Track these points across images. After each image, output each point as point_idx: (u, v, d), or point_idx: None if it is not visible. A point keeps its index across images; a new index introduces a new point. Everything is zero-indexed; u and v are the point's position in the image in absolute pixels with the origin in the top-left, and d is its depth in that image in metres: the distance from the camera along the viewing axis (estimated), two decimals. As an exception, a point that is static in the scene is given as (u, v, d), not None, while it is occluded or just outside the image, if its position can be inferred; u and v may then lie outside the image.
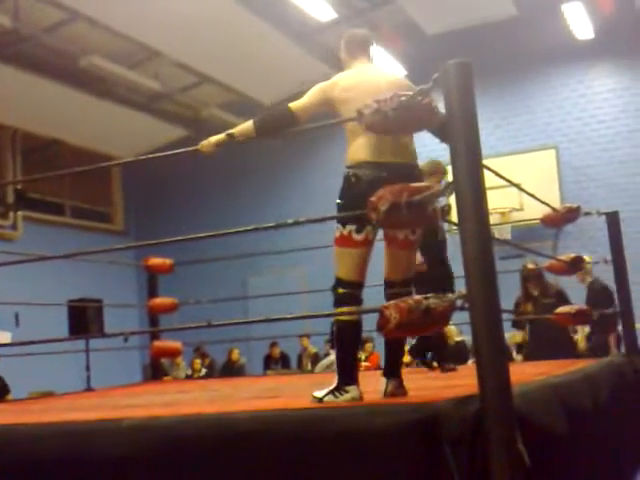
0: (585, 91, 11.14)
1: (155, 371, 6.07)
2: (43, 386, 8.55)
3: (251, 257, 10.51)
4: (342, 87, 2.87)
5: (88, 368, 5.83)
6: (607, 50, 10.82)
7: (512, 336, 7.39)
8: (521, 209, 10.13)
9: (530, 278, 5.95)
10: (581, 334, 6.20)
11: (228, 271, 11.85)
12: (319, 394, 2.68)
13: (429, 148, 8.37)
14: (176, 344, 5.43)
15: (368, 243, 2.77)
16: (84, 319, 7.74)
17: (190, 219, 12.27)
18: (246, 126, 2.95)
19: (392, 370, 2.81)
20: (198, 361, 10.27)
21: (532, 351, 6.00)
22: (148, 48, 10.30)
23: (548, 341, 5.69)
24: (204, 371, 10.21)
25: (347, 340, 2.75)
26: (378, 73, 2.98)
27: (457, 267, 5.30)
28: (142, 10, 9.12)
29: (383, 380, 2.80)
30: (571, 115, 11.10)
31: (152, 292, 5.93)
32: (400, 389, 2.76)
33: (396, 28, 10.99)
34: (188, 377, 9.60)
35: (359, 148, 2.77)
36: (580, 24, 10.53)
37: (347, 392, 2.67)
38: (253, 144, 3.09)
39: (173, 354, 5.80)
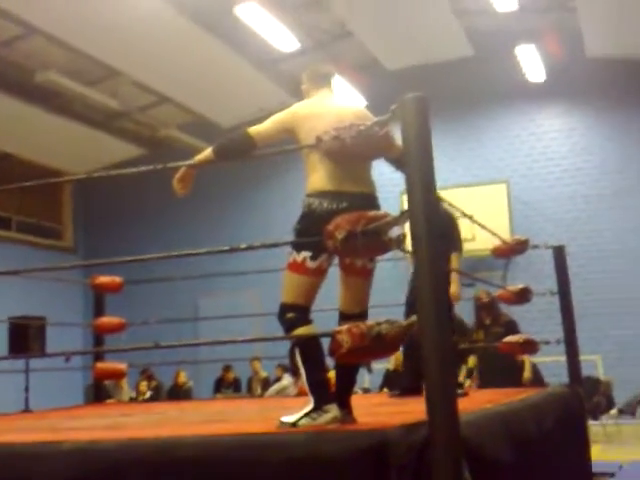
0: (535, 129, 11.59)
1: (98, 393, 5.90)
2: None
3: (203, 278, 10.41)
4: (302, 115, 2.90)
5: (27, 389, 5.63)
6: (557, 92, 11.32)
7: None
8: (472, 239, 10.30)
9: (483, 307, 6.10)
10: (527, 363, 6.32)
11: (179, 292, 11.71)
12: (291, 419, 2.59)
13: (386, 177, 8.50)
14: (120, 366, 5.29)
15: (321, 272, 2.75)
16: (25, 338, 7.50)
17: (141, 238, 12.13)
18: (205, 153, 2.96)
19: (342, 398, 2.72)
20: (144, 383, 10.05)
21: (482, 378, 6.11)
22: (108, 66, 10.23)
23: (496, 370, 5.80)
24: (149, 394, 10.00)
25: (311, 360, 2.69)
26: (338, 103, 3.02)
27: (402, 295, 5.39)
28: (104, 28, 9.06)
29: (331, 407, 2.75)
30: (522, 152, 11.52)
31: (98, 311, 5.78)
32: (348, 417, 2.69)
33: (357, 62, 11.23)
34: (132, 400, 9.39)
35: (320, 177, 2.78)
36: (532, 66, 11.02)
37: (327, 412, 2.59)
38: (211, 166, 3.08)
39: (117, 376, 5.64)
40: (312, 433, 2.34)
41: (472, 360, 6.41)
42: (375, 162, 2.90)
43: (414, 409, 2.67)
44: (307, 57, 10.69)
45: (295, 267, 2.74)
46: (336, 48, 10.94)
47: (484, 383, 5.92)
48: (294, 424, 2.56)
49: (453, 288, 4.65)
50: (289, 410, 2.67)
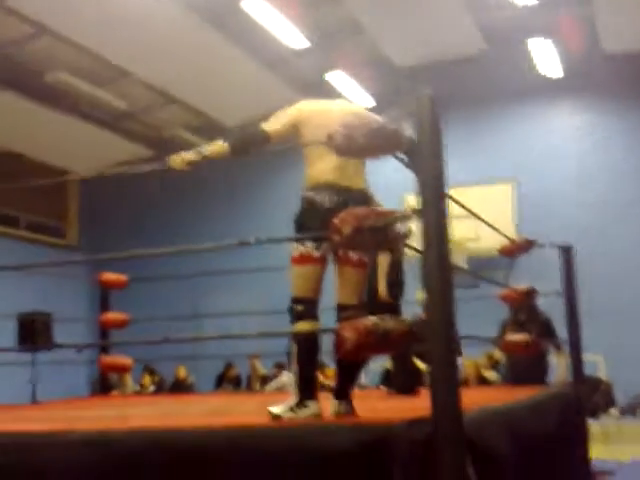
0: (548, 127, 11.38)
1: (103, 386, 5.97)
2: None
3: (205, 277, 10.44)
4: (307, 112, 2.99)
5: (34, 381, 5.69)
6: (573, 88, 11.08)
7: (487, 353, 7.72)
8: (477, 239, 10.30)
9: (519, 304, 6.00)
10: (562, 363, 6.09)
11: (181, 290, 11.73)
12: (277, 410, 2.68)
13: (388, 177, 8.50)
14: (125, 359, 5.36)
15: (325, 260, 2.84)
16: (32, 333, 7.58)
17: (146, 237, 12.13)
18: (218, 146, 2.99)
19: (343, 391, 2.81)
20: (147, 378, 10.11)
21: (509, 375, 6.08)
22: (116, 66, 10.24)
23: (522, 367, 5.73)
24: (152, 388, 10.05)
25: (306, 355, 2.77)
26: (341, 103, 3.13)
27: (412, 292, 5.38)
28: (112, 28, 9.06)
29: (333, 401, 2.81)
30: (532, 150, 11.29)
31: (104, 307, 5.85)
32: (349, 408, 2.76)
33: (366, 58, 11.15)
34: (136, 394, 9.43)
35: (318, 172, 2.87)
36: (547, 61, 10.75)
37: (307, 407, 2.68)
38: (216, 163, 3.10)
39: (122, 369, 5.70)
40: (316, 425, 2.36)
41: (498, 353, 6.34)
42: (378, 162, 2.95)
43: (416, 405, 2.69)
44: (315, 54, 10.68)
45: (300, 259, 2.82)
46: (344, 45, 10.87)
47: (511, 379, 5.87)
48: (278, 415, 2.65)
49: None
50: (281, 405, 2.72)
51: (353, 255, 2.84)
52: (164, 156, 3.16)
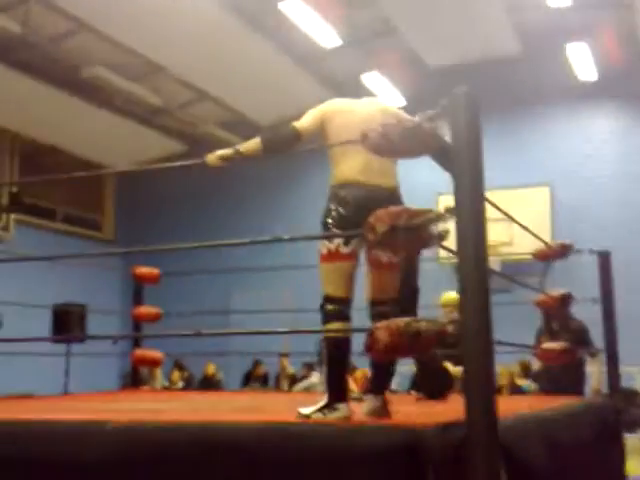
0: (584, 131, 11.22)
1: (134, 380, 6.02)
2: (21, 388, 8.46)
3: (237, 274, 10.49)
4: (333, 110, 3.00)
5: (68, 372, 5.76)
6: (609, 92, 10.90)
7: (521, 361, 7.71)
8: (510, 243, 10.17)
9: (552, 312, 5.89)
10: (596, 373, 5.86)
11: (212, 286, 11.81)
12: (306, 411, 2.67)
13: (422, 177, 8.41)
14: (157, 354, 5.39)
15: (355, 256, 2.81)
16: (67, 324, 7.69)
17: (180, 231, 12.24)
18: (252, 143, 3.00)
19: (377, 386, 2.80)
20: (177, 373, 10.19)
21: (543, 384, 5.99)
22: (151, 62, 10.33)
23: (558, 376, 5.62)
24: (181, 384, 10.12)
25: (337, 357, 2.74)
26: (369, 101, 3.12)
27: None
28: (148, 25, 9.16)
29: (368, 397, 2.79)
30: (568, 154, 11.15)
31: (138, 300, 5.89)
32: (383, 409, 2.74)
33: (399, 58, 11.10)
34: (165, 389, 9.52)
35: (347, 169, 2.86)
36: (583, 65, 10.63)
37: (336, 410, 2.65)
38: (252, 161, 3.12)
39: (153, 363, 5.74)
40: (348, 425, 2.34)
41: (537, 364, 6.24)
42: (411, 161, 2.91)
43: (449, 409, 2.65)
44: (349, 54, 10.66)
45: (330, 256, 2.79)
46: (378, 44, 10.83)
47: (547, 388, 5.76)
48: (308, 416, 2.63)
49: None
50: (311, 405, 2.71)
51: (383, 256, 2.81)
52: (197, 152, 3.17)
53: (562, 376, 5.51)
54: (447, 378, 5.05)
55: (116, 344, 4.10)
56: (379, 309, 2.79)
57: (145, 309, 5.62)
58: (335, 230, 2.79)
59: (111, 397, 4.94)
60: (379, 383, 2.82)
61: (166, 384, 9.97)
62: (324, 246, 2.80)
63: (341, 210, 2.79)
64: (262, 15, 9.54)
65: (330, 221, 2.82)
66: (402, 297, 4.11)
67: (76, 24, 9.25)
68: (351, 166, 2.84)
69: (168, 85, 11.02)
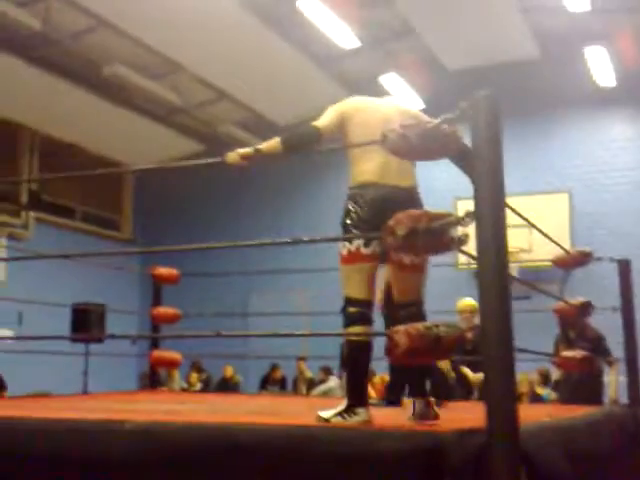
0: (603, 137, 11.15)
1: (152, 380, 6.03)
2: (39, 387, 8.52)
3: (254, 276, 10.51)
4: (352, 109, 2.99)
5: (87, 372, 5.78)
6: (628, 97, 10.83)
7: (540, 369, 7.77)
8: (529, 250, 10.10)
9: (568, 320, 5.88)
10: (613, 383, 5.93)
11: (230, 288, 11.83)
12: (326, 414, 2.65)
13: (441, 181, 8.36)
14: (175, 355, 5.40)
15: (375, 257, 2.80)
16: (87, 324, 7.74)
17: (199, 232, 12.30)
18: (273, 142, 3.00)
19: (417, 390, 2.77)
20: (195, 375, 10.21)
21: (563, 393, 5.95)
22: (171, 61, 10.40)
23: (577, 385, 5.59)
24: (199, 386, 10.14)
25: (358, 361, 2.72)
26: (388, 101, 3.12)
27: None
28: (168, 23, 9.22)
29: (412, 402, 2.77)
30: (587, 161, 11.09)
31: (157, 301, 5.90)
32: (428, 410, 2.70)
33: (417, 60, 11.08)
34: (183, 390, 9.54)
35: (365, 170, 2.85)
36: (602, 70, 10.55)
37: (356, 414, 2.64)
38: (266, 161, 3.13)
39: (172, 364, 5.76)
40: (367, 430, 2.33)
41: (557, 373, 6.21)
42: (430, 165, 2.90)
43: (467, 416, 2.63)
44: (367, 54, 10.66)
45: (350, 258, 2.78)
46: (396, 46, 10.82)
47: (566, 398, 5.72)
48: (327, 420, 2.62)
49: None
50: (330, 409, 2.70)
51: (406, 258, 2.78)
52: (215, 152, 3.18)
53: (581, 385, 5.46)
54: (446, 385, 5.01)
55: (134, 345, 4.12)
56: (408, 311, 2.77)
57: (164, 310, 5.62)
58: (355, 231, 2.77)
59: (129, 397, 4.96)
60: (417, 385, 2.80)
61: (184, 386, 10.00)
62: (344, 247, 2.79)
63: (360, 211, 2.78)
64: (280, 14, 9.57)
65: (349, 222, 2.81)
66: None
67: (96, 21, 9.31)
68: (370, 166, 2.83)
69: (187, 84, 11.08)
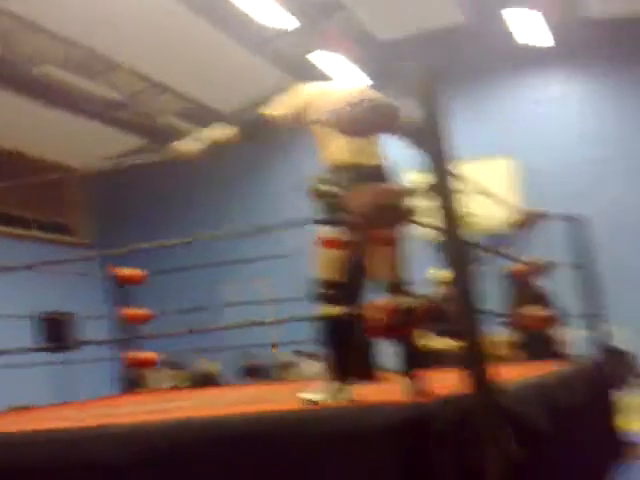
0: (539, 97, 11.23)
1: (129, 383, 5.98)
2: (13, 402, 8.38)
3: (217, 269, 10.47)
4: (310, 95, 3.01)
5: (64, 381, 5.67)
6: (559, 56, 10.95)
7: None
8: (483, 215, 10.22)
9: (516, 281, 6.07)
10: (564, 338, 6.16)
11: (196, 282, 11.77)
12: (310, 396, 2.68)
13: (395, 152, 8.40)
14: (151, 354, 5.38)
15: (350, 243, 2.82)
16: (59, 332, 7.62)
17: (157, 229, 12.14)
18: (227, 132, 3.00)
19: (409, 369, 2.69)
20: (173, 372, 10.18)
21: (520, 352, 6.12)
22: (104, 57, 10.21)
23: (534, 344, 5.78)
24: (178, 383, 10.12)
25: (339, 339, 2.76)
26: (342, 82, 3.15)
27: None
28: (98, 19, 9.05)
29: (403, 380, 2.79)
30: (527, 122, 11.14)
31: (123, 303, 5.84)
32: (420, 387, 2.69)
33: (350, 35, 10.98)
34: (163, 389, 9.50)
35: (332, 153, 2.88)
36: (532, 31, 10.56)
37: (342, 392, 2.68)
38: (221, 153, 3.12)
39: (148, 364, 5.73)
40: (352, 407, 2.39)
41: (511, 334, 6.37)
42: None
43: (447, 384, 2.71)
44: (300, 33, 10.61)
45: (329, 243, 2.82)
46: (329, 22, 10.73)
47: (523, 357, 5.91)
48: (310, 401, 2.64)
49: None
50: (314, 390, 2.72)
51: (381, 233, 2.84)
52: (159, 144, 3.15)
53: (538, 343, 5.67)
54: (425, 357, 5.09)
55: (111, 348, 4.12)
56: (401, 289, 2.72)
57: (133, 311, 5.58)
58: (332, 214, 2.79)
59: (112, 402, 4.93)
60: (405, 363, 2.75)
61: (164, 384, 9.96)
62: (325, 232, 2.82)
63: (330, 194, 2.81)
64: (211, 2, 9.45)
65: (322, 204, 2.84)
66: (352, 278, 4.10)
67: (24, 23, 9.03)
68: (339, 148, 2.86)
69: (123, 79, 10.85)
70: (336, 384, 2.69)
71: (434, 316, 3.15)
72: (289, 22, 9.99)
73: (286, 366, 10.24)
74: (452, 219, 2.25)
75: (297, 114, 3.00)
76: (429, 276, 5.84)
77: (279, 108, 3.00)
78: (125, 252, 3.36)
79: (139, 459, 2.20)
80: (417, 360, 2.85)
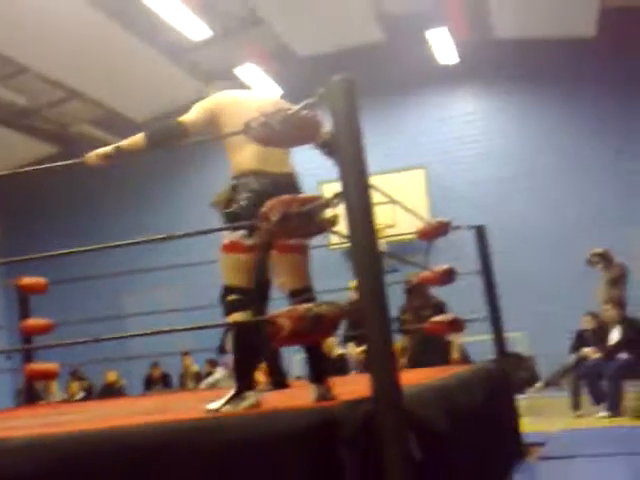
0: (449, 113, 11.79)
1: (29, 395, 5.76)
2: None
3: (121, 278, 10.26)
4: (224, 103, 3.01)
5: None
6: (468, 75, 11.53)
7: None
8: (394, 225, 10.49)
9: (412, 290, 6.32)
10: (455, 344, 6.46)
11: (101, 291, 11.47)
12: (215, 405, 2.66)
13: (304, 166, 8.48)
14: (52, 366, 5.19)
15: (257, 249, 2.83)
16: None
17: (63, 237, 11.79)
18: (136, 139, 2.97)
19: (317, 375, 2.79)
20: (75, 384, 9.86)
21: (413, 359, 6.30)
22: (13, 62, 9.85)
23: (427, 350, 6.01)
24: (82, 394, 9.81)
25: (244, 345, 2.76)
26: (258, 92, 3.20)
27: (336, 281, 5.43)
28: (7, 23, 8.72)
29: (312, 386, 2.79)
30: (437, 137, 11.69)
31: (24, 313, 5.66)
32: (328, 393, 2.73)
33: (269, 49, 11.16)
34: (65, 401, 9.17)
35: (243, 159, 2.88)
36: (444, 49, 11.12)
37: (245, 399, 2.66)
38: (127, 160, 3.07)
39: (49, 376, 5.52)
40: (257, 414, 2.38)
41: (403, 340, 6.57)
42: (292, 152, 2.98)
43: (355, 388, 2.75)
44: (219, 45, 10.61)
45: (230, 247, 2.81)
46: (248, 35, 10.82)
47: (415, 363, 6.10)
48: (217, 410, 2.62)
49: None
50: (218, 399, 2.70)
51: (292, 241, 2.84)
52: (72, 153, 3.10)
53: (428, 350, 5.91)
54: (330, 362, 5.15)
55: (10, 360, 3.93)
56: (299, 299, 2.78)
57: (34, 321, 5.39)
58: (237, 221, 2.78)
59: (7, 415, 4.72)
60: (317, 371, 2.80)
61: (65, 396, 9.62)
62: (226, 237, 2.81)
63: (242, 201, 2.80)
64: (126, 9, 9.32)
65: (232, 211, 2.83)
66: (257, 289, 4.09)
67: None
68: (247, 156, 2.87)
69: (33, 85, 10.54)
70: (241, 392, 2.68)
71: (342, 323, 3.19)
72: (208, 34, 9.98)
73: (195, 375, 10.10)
74: (361, 228, 2.28)
75: (208, 120, 2.98)
76: (350, 284, 5.93)
77: (192, 115, 2.99)
78: (24, 260, 3.21)
79: (30, 473, 2.11)
80: (324, 366, 2.90)
